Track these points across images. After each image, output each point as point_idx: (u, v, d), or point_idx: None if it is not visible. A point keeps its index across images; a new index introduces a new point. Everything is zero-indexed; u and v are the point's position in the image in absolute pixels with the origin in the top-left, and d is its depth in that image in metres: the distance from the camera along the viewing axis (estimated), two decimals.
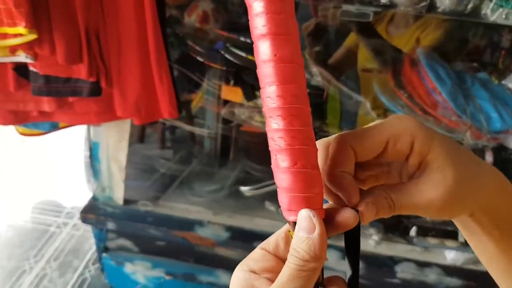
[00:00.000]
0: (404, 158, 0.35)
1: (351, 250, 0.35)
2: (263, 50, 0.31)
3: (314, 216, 0.31)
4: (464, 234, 0.42)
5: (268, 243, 0.36)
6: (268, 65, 0.31)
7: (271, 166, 0.33)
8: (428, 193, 0.34)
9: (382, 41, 1.44)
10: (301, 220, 0.31)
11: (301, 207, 0.32)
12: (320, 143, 0.36)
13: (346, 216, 0.33)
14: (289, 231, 0.34)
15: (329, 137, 0.36)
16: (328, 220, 0.33)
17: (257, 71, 0.32)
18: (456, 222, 0.41)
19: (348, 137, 0.34)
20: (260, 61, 0.32)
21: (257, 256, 0.35)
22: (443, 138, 0.35)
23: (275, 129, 0.31)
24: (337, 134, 0.35)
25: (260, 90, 0.32)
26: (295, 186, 0.32)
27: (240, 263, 0.36)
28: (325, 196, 0.35)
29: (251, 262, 0.35)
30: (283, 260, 0.34)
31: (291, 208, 0.32)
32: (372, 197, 0.34)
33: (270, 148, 0.32)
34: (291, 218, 0.33)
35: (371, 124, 0.36)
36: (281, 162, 0.32)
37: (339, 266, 1.39)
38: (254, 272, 0.34)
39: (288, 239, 0.35)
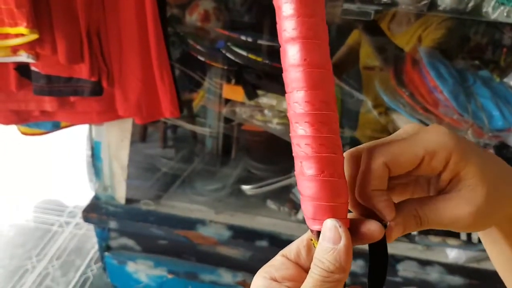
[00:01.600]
0: (437, 174, 0.35)
1: (376, 262, 0.34)
2: (292, 54, 0.30)
3: (340, 227, 0.30)
4: (483, 241, 0.41)
5: (290, 251, 0.35)
6: (297, 69, 0.30)
7: (295, 173, 0.32)
8: (456, 211, 0.33)
9: (386, 38, 1.44)
10: (327, 230, 0.31)
11: (326, 216, 0.31)
12: (349, 153, 0.35)
13: (372, 229, 0.32)
14: (311, 240, 0.34)
15: (359, 148, 0.35)
16: (352, 230, 0.32)
17: (284, 75, 0.31)
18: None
19: (382, 152, 0.33)
20: (288, 65, 0.31)
21: (278, 264, 0.35)
22: (479, 153, 0.34)
23: (302, 135, 0.31)
24: (368, 146, 0.34)
25: (286, 95, 0.31)
26: (321, 195, 0.31)
27: (260, 269, 0.35)
28: (349, 207, 0.34)
29: (271, 269, 0.34)
30: (304, 269, 0.34)
31: (316, 217, 0.31)
32: (402, 216, 0.34)
33: (294, 155, 0.32)
34: (315, 227, 0.32)
35: (405, 135, 0.35)
36: (307, 170, 0.31)
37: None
38: (275, 280, 0.33)
39: (310, 248, 0.35)
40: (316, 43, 0.30)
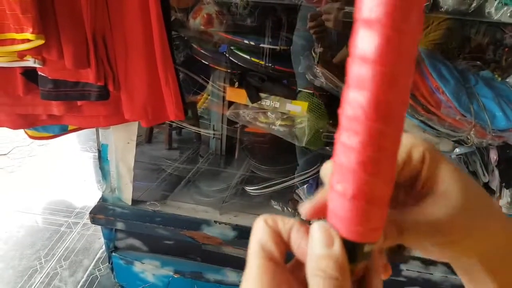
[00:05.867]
0: (417, 175, 0.33)
1: None
2: None
3: (331, 227, 0.27)
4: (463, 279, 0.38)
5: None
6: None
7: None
8: (433, 214, 0.31)
9: None
10: (318, 232, 0.27)
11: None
12: None
13: None
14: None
15: None
16: None
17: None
18: (456, 268, 0.38)
19: None
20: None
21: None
22: (453, 165, 0.33)
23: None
24: None
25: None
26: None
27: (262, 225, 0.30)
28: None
29: (273, 248, 0.29)
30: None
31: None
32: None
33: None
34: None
35: None
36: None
37: None
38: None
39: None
40: None
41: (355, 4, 0.24)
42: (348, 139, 0.25)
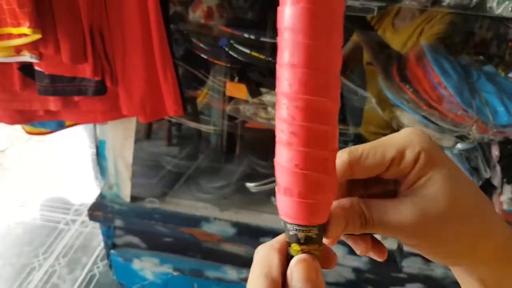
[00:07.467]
0: (405, 176, 0.31)
1: None
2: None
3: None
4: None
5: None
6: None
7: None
8: (401, 215, 0.30)
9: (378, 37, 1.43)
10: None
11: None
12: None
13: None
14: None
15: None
16: None
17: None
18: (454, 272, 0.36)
19: (350, 155, 0.32)
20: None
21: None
22: (453, 168, 0.31)
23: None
24: (345, 149, 0.33)
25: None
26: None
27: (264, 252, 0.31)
28: None
29: (273, 270, 0.30)
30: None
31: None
32: (344, 211, 0.31)
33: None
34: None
35: (380, 140, 0.32)
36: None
37: (346, 261, 1.39)
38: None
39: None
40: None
41: None
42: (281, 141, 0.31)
